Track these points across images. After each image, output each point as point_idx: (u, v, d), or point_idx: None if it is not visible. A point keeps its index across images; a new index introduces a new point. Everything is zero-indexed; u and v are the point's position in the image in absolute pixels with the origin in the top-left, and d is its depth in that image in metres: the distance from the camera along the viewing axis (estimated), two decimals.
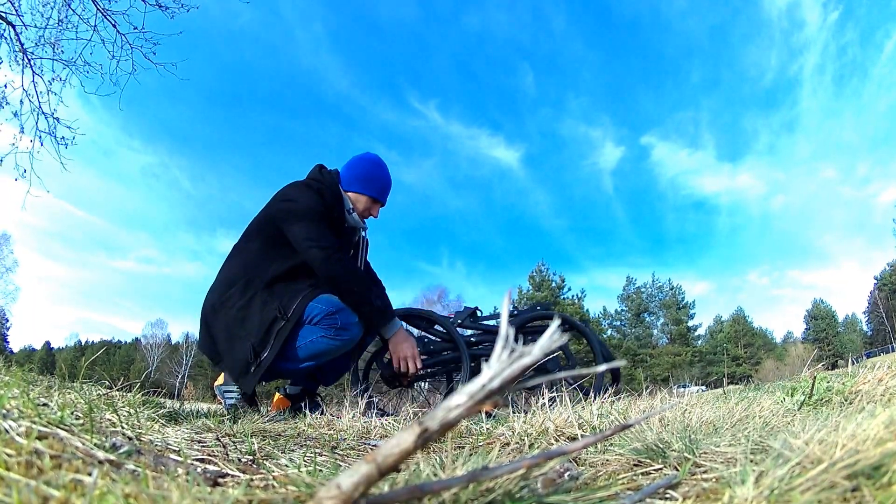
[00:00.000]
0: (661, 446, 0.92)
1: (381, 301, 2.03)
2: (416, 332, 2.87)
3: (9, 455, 0.57)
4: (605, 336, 44.32)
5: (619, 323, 48.17)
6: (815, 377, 1.94)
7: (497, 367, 0.46)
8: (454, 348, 2.73)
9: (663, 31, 77.43)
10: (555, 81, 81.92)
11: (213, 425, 1.31)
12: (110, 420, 0.94)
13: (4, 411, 0.72)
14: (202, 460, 0.82)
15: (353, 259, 2.25)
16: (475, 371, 2.62)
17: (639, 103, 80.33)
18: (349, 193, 2.15)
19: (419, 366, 2.07)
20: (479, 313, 2.96)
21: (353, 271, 1.99)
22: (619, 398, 1.97)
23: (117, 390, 1.35)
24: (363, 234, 2.29)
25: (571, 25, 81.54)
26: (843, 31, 69.19)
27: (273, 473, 0.74)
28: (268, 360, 1.87)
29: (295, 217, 1.96)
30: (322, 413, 1.91)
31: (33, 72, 6.37)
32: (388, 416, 1.85)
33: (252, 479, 0.71)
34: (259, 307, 1.92)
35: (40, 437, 0.66)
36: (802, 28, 70.88)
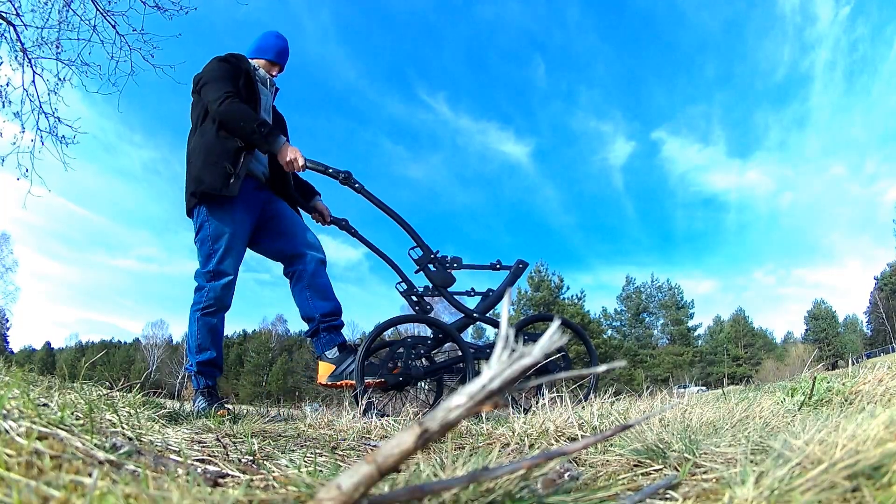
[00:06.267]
0: (662, 447, 0.92)
1: (265, 128, 2.41)
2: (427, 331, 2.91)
3: (9, 455, 0.57)
4: (605, 337, 44.10)
5: (618, 323, 48.03)
6: (815, 377, 1.93)
7: (497, 367, 0.46)
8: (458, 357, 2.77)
9: (678, 24, 75.68)
10: (567, 74, 79.65)
11: (213, 426, 1.31)
12: (110, 420, 0.94)
13: (5, 412, 0.72)
14: (202, 461, 0.82)
15: (261, 102, 2.65)
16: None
17: (651, 97, 78.57)
18: (252, 60, 2.73)
19: (302, 162, 2.45)
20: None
21: (240, 110, 2.36)
22: (620, 399, 1.97)
23: (117, 391, 1.36)
24: (273, 85, 2.83)
25: (586, 16, 79.40)
26: (854, 27, 68.22)
27: (273, 474, 0.74)
28: (243, 170, 2.33)
29: (204, 85, 2.45)
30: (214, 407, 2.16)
31: (34, 72, 6.38)
32: (387, 416, 1.85)
33: (252, 480, 0.71)
34: (222, 142, 2.37)
35: (40, 438, 0.66)
36: (815, 23, 69.84)
